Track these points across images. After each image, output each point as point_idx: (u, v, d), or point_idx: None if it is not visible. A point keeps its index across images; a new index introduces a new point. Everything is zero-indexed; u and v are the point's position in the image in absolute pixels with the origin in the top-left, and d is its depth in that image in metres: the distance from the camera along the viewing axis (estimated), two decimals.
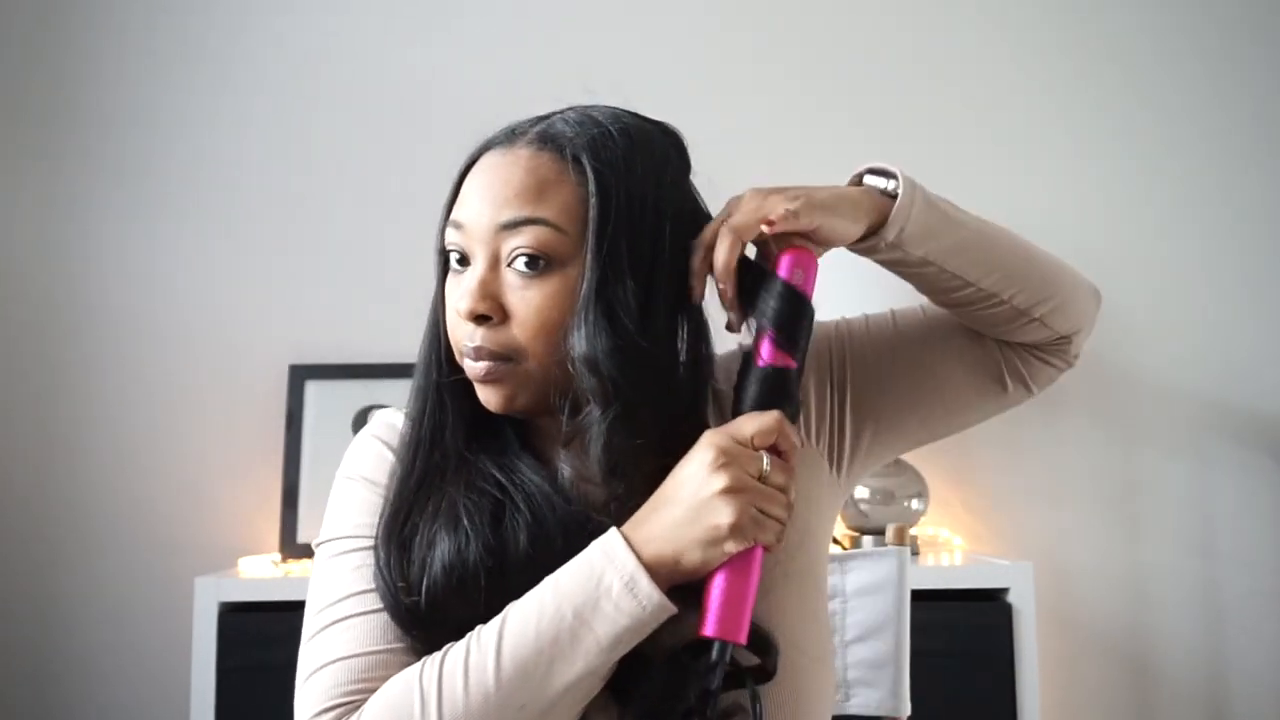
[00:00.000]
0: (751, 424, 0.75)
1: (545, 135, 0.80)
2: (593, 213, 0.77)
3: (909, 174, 0.82)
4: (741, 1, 2.14)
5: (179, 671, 1.70)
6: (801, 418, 0.87)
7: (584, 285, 0.77)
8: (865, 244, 0.82)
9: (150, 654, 1.91)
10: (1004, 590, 1.72)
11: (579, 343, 0.76)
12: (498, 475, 0.81)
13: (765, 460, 0.74)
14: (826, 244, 0.80)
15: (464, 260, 0.81)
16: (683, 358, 0.83)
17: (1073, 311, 0.89)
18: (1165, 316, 2.10)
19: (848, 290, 1.78)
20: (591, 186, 0.78)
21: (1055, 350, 0.91)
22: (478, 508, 0.79)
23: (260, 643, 1.52)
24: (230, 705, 1.61)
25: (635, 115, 0.85)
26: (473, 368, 0.80)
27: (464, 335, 0.80)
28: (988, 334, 0.90)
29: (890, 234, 0.81)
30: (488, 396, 0.80)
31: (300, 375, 1.96)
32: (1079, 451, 2.07)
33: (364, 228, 2.05)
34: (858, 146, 2.10)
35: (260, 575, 1.73)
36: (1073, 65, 2.14)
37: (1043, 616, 1.81)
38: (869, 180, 0.85)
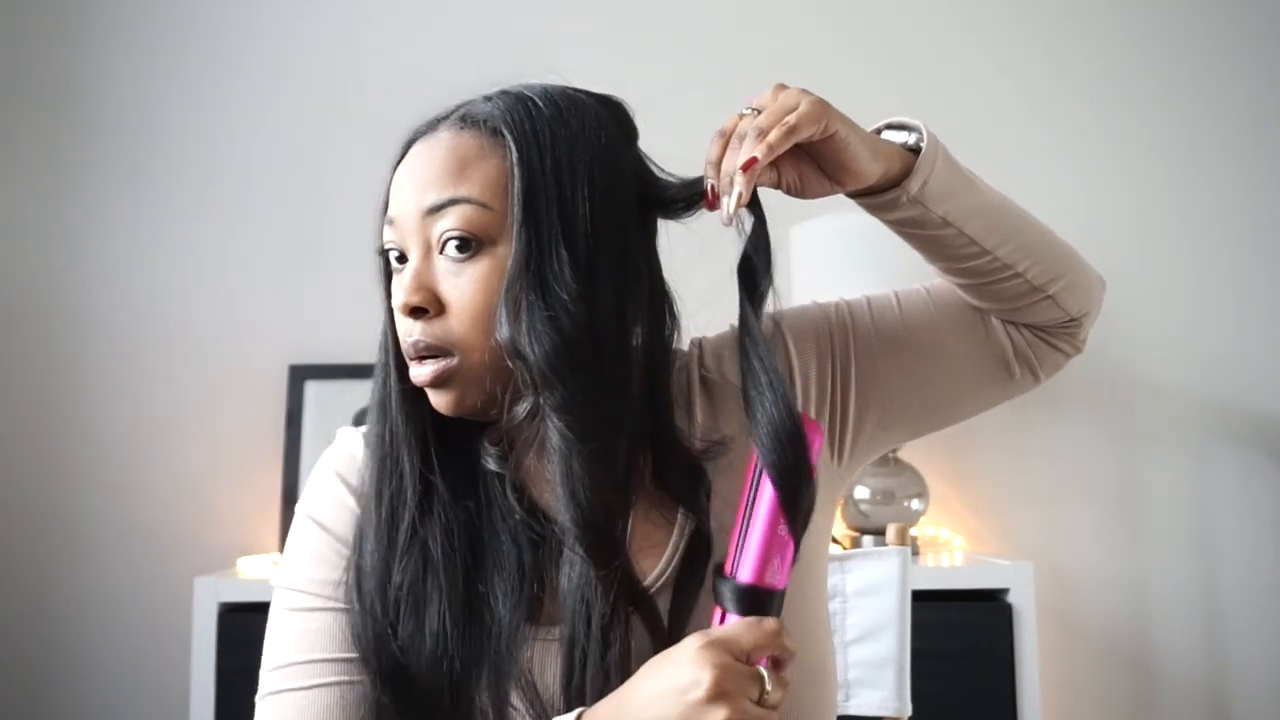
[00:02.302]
0: (751, 636, 0.66)
1: (466, 115, 0.77)
2: (516, 183, 0.73)
3: (930, 129, 0.78)
4: None
5: (179, 671, 1.70)
6: (800, 406, 0.83)
7: (510, 260, 0.72)
8: (885, 196, 0.77)
9: (150, 654, 1.91)
10: (1004, 590, 1.72)
11: (501, 325, 0.71)
12: (453, 521, 0.76)
13: (767, 679, 0.65)
14: (839, 173, 0.74)
15: (402, 257, 0.77)
16: (637, 341, 0.76)
17: (1084, 293, 0.85)
18: (1166, 317, 2.10)
19: (852, 275, 1.78)
20: (513, 156, 0.73)
21: (1064, 333, 0.87)
22: (447, 570, 0.75)
23: (260, 643, 1.54)
24: (230, 705, 1.61)
25: (566, 87, 0.80)
26: (417, 373, 0.75)
27: (404, 333, 0.76)
28: (997, 314, 0.86)
29: (914, 185, 0.76)
30: (436, 400, 0.76)
31: (300, 375, 1.96)
32: (1079, 451, 2.07)
33: (364, 227, 2.04)
34: None
35: (260, 575, 1.73)
36: (1079, 67, 2.14)
37: (1043, 616, 1.81)
38: (886, 135, 0.80)
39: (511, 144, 0.74)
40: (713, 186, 0.73)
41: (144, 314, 2.01)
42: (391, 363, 0.79)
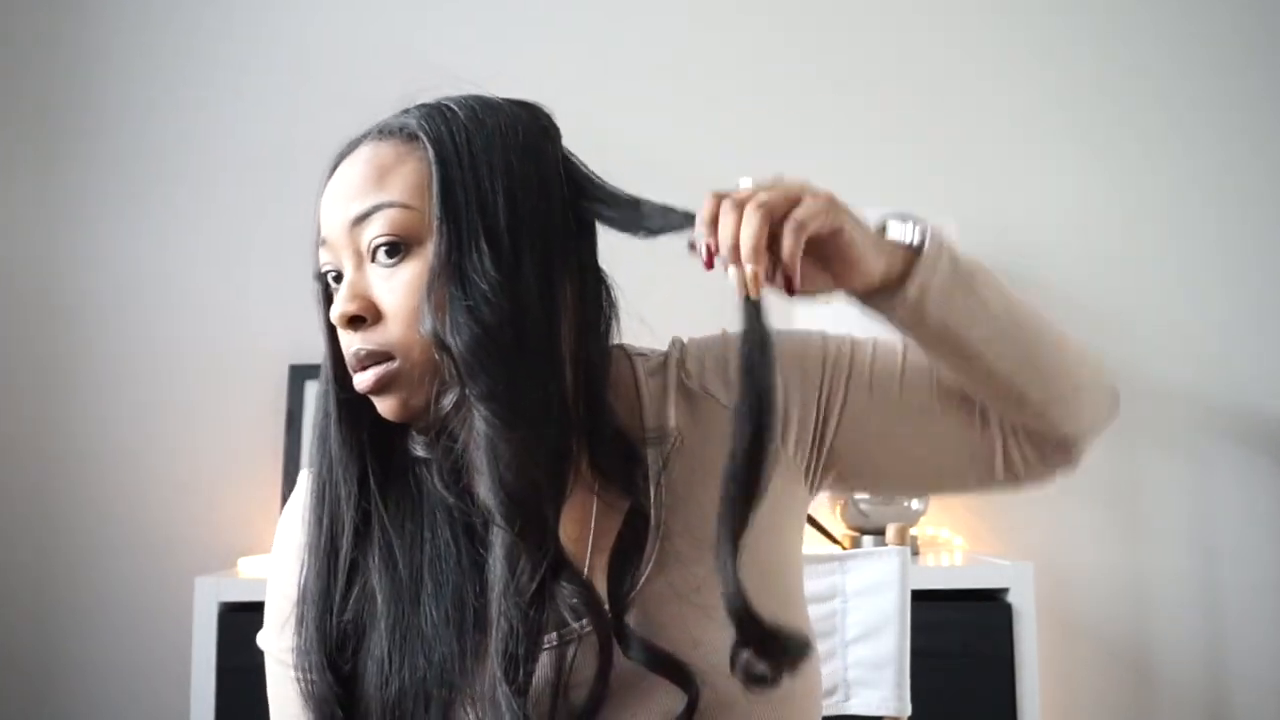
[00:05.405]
0: None
1: (384, 127, 0.79)
2: (434, 182, 0.74)
3: (936, 226, 0.75)
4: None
5: (179, 671, 1.70)
6: (782, 430, 0.82)
7: (432, 256, 0.73)
8: (881, 298, 0.74)
9: (150, 654, 1.91)
10: (1004, 590, 1.72)
11: (425, 318, 0.72)
12: (393, 546, 0.77)
13: None
14: (841, 269, 0.72)
15: (339, 277, 0.78)
16: (566, 330, 0.77)
17: (1086, 413, 0.82)
18: (1166, 317, 2.10)
19: None
20: (430, 155, 0.75)
21: (1057, 450, 0.84)
22: (387, 598, 0.76)
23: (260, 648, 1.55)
24: (230, 705, 1.61)
25: (486, 95, 0.81)
26: (360, 380, 0.76)
27: (345, 345, 0.77)
28: (992, 413, 0.83)
29: (912, 289, 0.73)
30: (382, 407, 0.76)
31: (300, 375, 1.96)
32: None
33: None
34: (867, 141, 2.11)
35: (260, 575, 1.73)
36: (1086, 69, 2.15)
37: (1043, 617, 1.81)
38: (891, 227, 0.76)
39: (428, 144, 0.75)
40: (708, 246, 0.70)
41: (144, 314, 2.01)
42: (330, 387, 0.80)
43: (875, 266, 0.72)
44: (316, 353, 0.83)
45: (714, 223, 0.70)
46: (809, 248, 0.69)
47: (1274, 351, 2.10)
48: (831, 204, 0.70)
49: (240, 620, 1.64)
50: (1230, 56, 2.15)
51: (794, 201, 0.69)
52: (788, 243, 0.68)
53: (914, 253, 0.74)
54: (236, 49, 2.08)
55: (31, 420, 1.99)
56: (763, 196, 0.69)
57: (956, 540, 2.00)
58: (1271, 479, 2.07)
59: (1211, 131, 2.14)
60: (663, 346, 0.88)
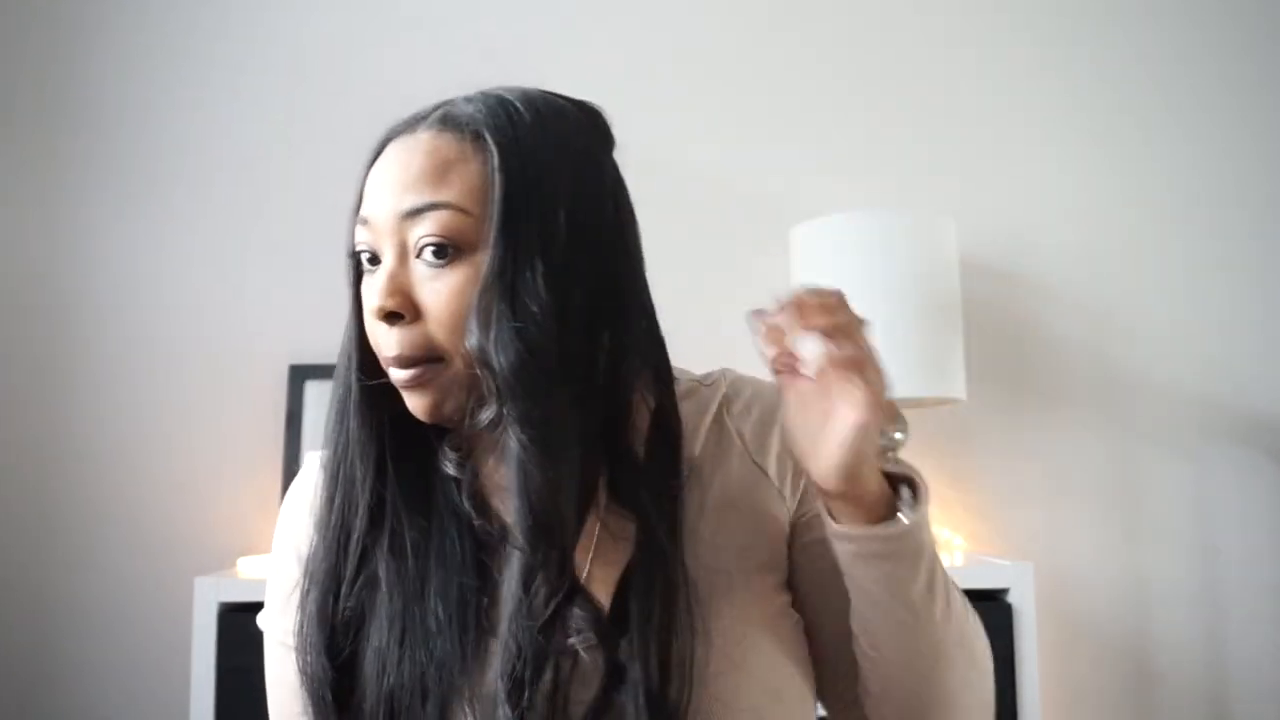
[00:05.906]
0: None
1: (446, 116, 0.75)
2: (496, 190, 0.71)
3: (924, 520, 0.71)
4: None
5: (179, 671, 1.70)
6: (779, 472, 0.82)
7: (485, 268, 0.70)
8: (833, 508, 0.71)
9: (150, 654, 1.91)
10: (1004, 590, 1.72)
11: (471, 331, 0.70)
12: (403, 536, 0.76)
13: None
14: (837, 445, 0.66)
15: (375, 259, 0.75)
16: (604, 356, 0.74)
17: None
18: (1165, 317, 2.10)
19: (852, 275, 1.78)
20: (494, 161, 0.71)
21: None
22: (393, 587, 0.75)
23: (260, 642, 1.54)
24: (230, 705, 1.61)
25: (547, 92, 0.78)
26: (398, 375, 0.74)
27: (382, 340, 0.74)
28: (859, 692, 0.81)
29: (855, 544, 0.70)
30: (414, 403, 0.74)
31: (300, 375, 1.96)
32: (1079, 452, 2.07)
33: None
34: (867, 140, 2.11)
35: (260, 575, 1.73)
36: (1089, 63, 2.14)
37: (1043, 617, 1.81)
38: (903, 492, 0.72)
39: (493, 149, 0.72)
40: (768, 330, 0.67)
41: (144, 314, 2.01)
42: (353, 366, 0.78)
43: (861, 472, 0.67)
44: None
45: (798, 308, 0.66)
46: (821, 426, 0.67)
47: (1272, 351, 2.10)
48: (884, 391, 0.66)
49: (240, 620, 1.63)
50: (1230, 54, 2.15)
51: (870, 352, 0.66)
52: (846, 347, 0.64)
53: (891, 520, 0.70)
54: (233, 49, 2.08)
55: (30, 421, 1.99)
56: (842, 318, 0.66)
57: (956, 540, 2.00)
58: (1271, 479, 2.07)
59: (1209, 130, 2.14)
60: (679, 363, 0.87)
